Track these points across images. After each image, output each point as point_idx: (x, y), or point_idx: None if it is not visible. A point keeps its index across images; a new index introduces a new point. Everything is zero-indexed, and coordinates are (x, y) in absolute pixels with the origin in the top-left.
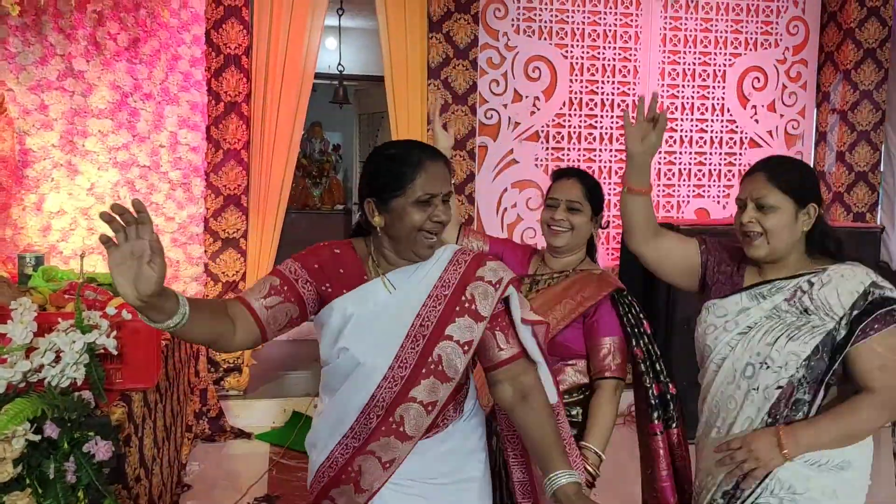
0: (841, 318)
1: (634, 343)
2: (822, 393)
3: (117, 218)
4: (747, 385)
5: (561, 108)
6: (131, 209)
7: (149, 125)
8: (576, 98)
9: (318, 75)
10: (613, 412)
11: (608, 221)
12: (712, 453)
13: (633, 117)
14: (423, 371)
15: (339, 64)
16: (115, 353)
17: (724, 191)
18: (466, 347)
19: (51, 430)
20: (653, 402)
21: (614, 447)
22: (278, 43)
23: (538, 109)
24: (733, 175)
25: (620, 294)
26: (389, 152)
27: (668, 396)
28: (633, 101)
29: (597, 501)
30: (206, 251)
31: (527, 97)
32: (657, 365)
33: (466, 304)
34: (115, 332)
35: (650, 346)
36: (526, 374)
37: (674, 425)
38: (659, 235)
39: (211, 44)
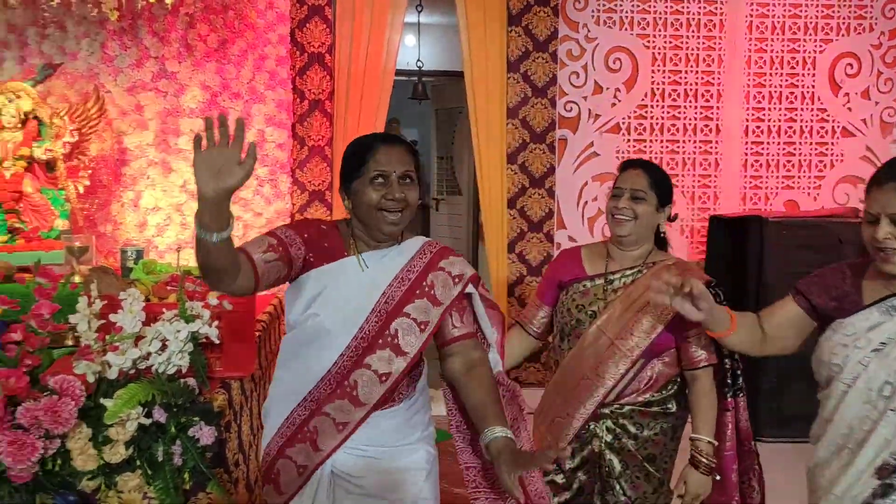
0: None
1: None
2: None
3: (214, 132)
4: (884, 405)
5: (643, 100)
6: (231, 128)
7: None
8: (658, 89)
9: (397, 71)
10: (714, 398)
11: (676, 214)
12: (843, 473)
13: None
14: (380, 342)
15: (419, 60)
16: (217, 341)
17: (814, 182)
18: (423, 326)
19: (159, 415)
20: (729, 381)
21: None
22: (360, 41)
23: (619, 101)
24: (824, 165)
25: (709, 286)
26: (353, 142)
27: (738, 371)
28: (718, 89)
29: (526, 451)
30: None
31: (607, 89)
32: None
33: (426, 289)
34: (216, 322)
35: None
36: (475, 350)
37: (741, 394)
38: (767, 334)
39: (295, 43)
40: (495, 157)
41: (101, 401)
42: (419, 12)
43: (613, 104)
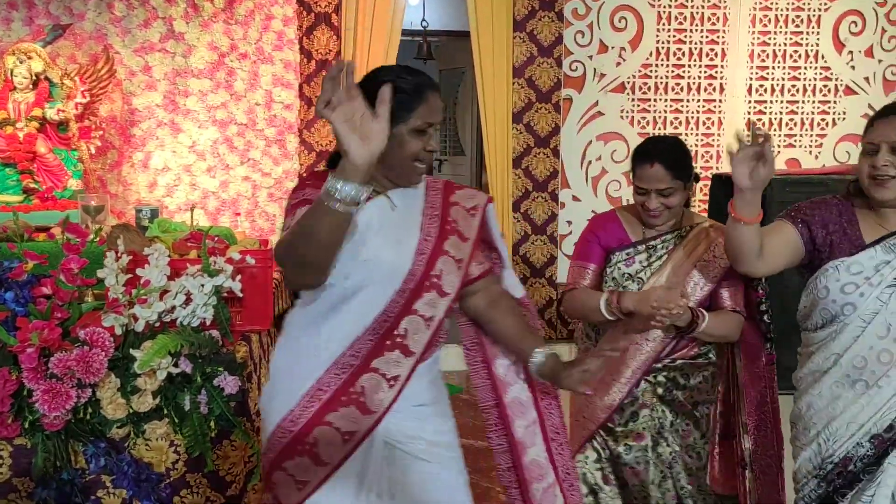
0: None
1: (756, 286)
2: None
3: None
4: None
5: (647, 59)
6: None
7: (245, 84)
8: (662, 48)
9: (402, 32)
10: (730, 325)
11: (698, 174)
12: (855, 402)
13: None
14: (427, 284)
15: (423, 19)
16: (240, 295)
17: (816, 140)
18: (459, 264)
19: (185, 366)
20: (769, 335)
21: None
22: (366, 0)
23: (624, 60)
24: (826, 124)
25: None
26: (391, 80)
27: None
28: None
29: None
30: None
31: (612, 48)
32: (768, 302)
33: (453, 224)
34: (238, 276)
35: (766, 287)
36: (495, 285)
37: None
38: (764, 251)
39: (302, 3)
40: (501, 116)
41: (131, 351)
42: None
43: (618, 63)
